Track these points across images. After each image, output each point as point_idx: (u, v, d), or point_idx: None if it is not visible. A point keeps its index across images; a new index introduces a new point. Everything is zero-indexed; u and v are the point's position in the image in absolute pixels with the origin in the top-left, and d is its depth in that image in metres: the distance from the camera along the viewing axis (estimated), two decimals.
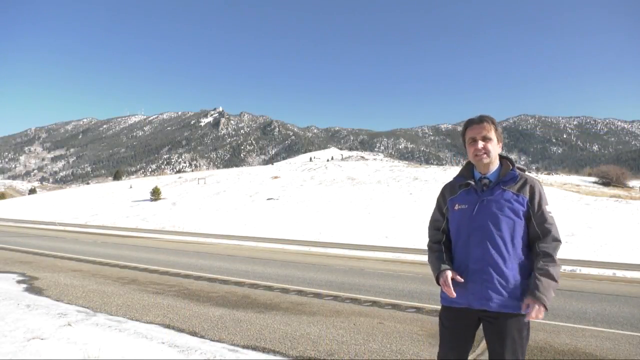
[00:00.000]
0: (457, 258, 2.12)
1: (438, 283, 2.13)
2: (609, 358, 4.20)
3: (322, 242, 17.79)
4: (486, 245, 2.02)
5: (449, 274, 2.06)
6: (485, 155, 2.09)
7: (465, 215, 2.10)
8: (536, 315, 1.91)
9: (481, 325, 2.12)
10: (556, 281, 1.96)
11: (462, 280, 2.03)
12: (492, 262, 2.00)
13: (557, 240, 2.03)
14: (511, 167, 2.13)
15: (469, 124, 2.16)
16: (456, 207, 2.16)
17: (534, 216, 2.04)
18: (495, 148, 2.11)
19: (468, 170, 2.22)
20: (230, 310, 5.62)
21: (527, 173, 2.16)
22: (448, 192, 2.25)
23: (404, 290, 7.70)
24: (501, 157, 2.18)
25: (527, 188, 2.06)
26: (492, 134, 2.10)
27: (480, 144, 2.09)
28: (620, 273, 11.94)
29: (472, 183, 2.14)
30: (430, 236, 2.31)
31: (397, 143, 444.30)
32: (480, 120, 2.13)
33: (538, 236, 2.04)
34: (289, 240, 18.50)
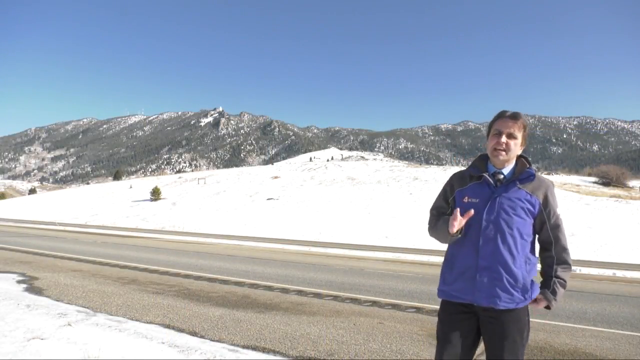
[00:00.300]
0: (465, 253, 2.04)
1: (448, 234, 2.02)
2: (609, 358, 4.21)
3: (322, 242, 17.80)
4: (497, 243, 1.97)
5: (459, 210, 1.98)
6: (503, 152, 2.03)
7: (476, 209, 2.02)
8: (537, 308, 2.06)
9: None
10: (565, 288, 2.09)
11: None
12: (502, 260, 1.96)
13: (567, 249, 2.06)
14: (527, 166, 2.09)
15: (501, 115, 2.09)
16: (465, 200, 2.07)
17: (548, 222, 2.02)
18: (516, 148, 2.06)
19: (482, 162, 2.15)
20: (230, 310, 5.62)
21: (541, 174, 2.13)
22: (457, 183, 2.16)
23: (404, 290, 7.70)
24: (518, 155, 2.12)
25: (541, 191, 2.02)
26: (519, 134, 2.05)
27: (504, 139, 2.02)
28: (620, 273, 11.95)
29: (486, 176, 2.06)
30: (432, 222, 2.20)
31: (397, 143, 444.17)
32: (514, 116, 2.06)
33: (550, 242, 2.04)
34: (289, 240, 18.51)
